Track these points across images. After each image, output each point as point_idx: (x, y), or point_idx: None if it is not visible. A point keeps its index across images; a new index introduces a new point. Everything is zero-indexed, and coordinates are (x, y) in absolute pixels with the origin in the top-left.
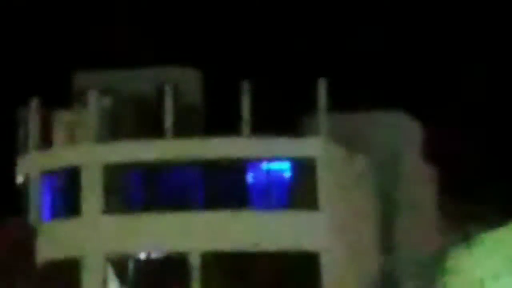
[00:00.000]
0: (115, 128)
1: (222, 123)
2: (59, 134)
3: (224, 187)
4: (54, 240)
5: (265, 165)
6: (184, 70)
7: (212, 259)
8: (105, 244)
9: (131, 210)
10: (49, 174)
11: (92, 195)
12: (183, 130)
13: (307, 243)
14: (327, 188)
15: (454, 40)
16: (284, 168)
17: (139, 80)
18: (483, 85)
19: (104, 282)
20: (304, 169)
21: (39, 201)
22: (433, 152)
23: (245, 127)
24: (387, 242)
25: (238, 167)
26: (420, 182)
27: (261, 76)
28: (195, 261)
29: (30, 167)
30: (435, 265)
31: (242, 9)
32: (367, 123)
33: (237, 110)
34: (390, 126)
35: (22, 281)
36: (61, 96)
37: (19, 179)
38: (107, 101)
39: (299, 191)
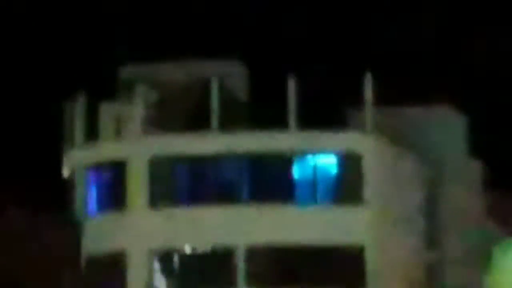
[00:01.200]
0: (161, 122)
1: (268, 117)
2: (105, 128)
3: (270, 181)
4: (99, 235)
5: (311, 159)
6: (230, 63)
7: (258, 253)
8: (151, 238)
9: (177, 204)
10: (95, 168)
11: (138, 188)
12: (229, 123)
13: (352, 238)
14: (373, 182)
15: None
16: (330, 162)
17: (185, 73)
18: None
19: (150, 276)
20: (350, 163)
21: (85, 195)
22: (479, 147)
23: (291, 121)
24: (431, 238)
25: (284, 161)
26: (465, 178)
27: (307, 70)
28: (240, 255)
29: (76, 160)
30: (480, 261)
31: (289, 2)
32: (412, 118)
33: (283, 104)
34: (435, 121)
35: (68, 276)
36: (107, 90)
37: (65, 172)
38: (153, 95)
39: (345, 186)
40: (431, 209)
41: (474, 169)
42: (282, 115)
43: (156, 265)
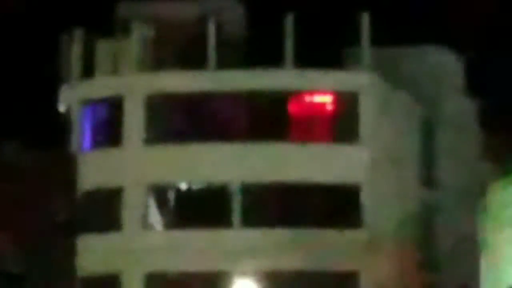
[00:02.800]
0: (157, 58)
1: (265, 55)
2: (101, 64)
3: (266, 119)
4: (95, 170)
5: (307, 98)
6: (227, 1)
7: (252, 190)
8: (146, 174)
9: (172, 141)
10: (91, 104)
11: (133, 125)
12: (225, 61)
13: (348, 176)
14: (369, 121)
15: None
16: (326, 100)
17: (182, 10)
18: None
19: (145, 212)
20: (347, 102)
21: (81, 131)
22: (475, 86)
23: (288, 59)
24: (428, 177)
25: (280, 99)
26: (461, 117)
27: (304, 9)
28: (236, 191)
29: (72, 96)
30: (476, 199)
31: None
32: (409, 58)
33: (280, 42)
34: (432, 61)
35: (62, 209)
36: (104, 26)
37: (62, 108)
38: (149, 31)
39: (341, 124)
40: (426, 147)
41: (470, 107)
42: (279, 53)
43: (152, 201)
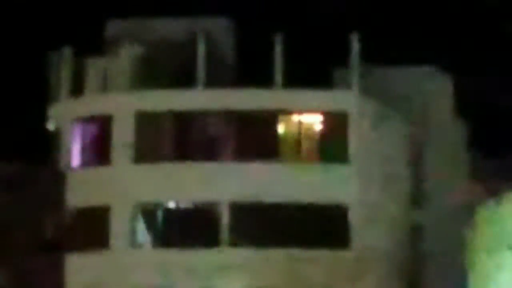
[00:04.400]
0: (147, 77)
1: (254, 74)
2: (91, 82)
3: (255, 139)
4: (83, 188)
5: (296, 117)
6: (217, 20)
7: (241, 209)
8: (135, 193)
9: (161, 160)
10: (80, 122)
11: (123, 143)
12: (215, 80)
13: (336, 196)
14: (358, 141)
15: None
16: (315, 120)
17: (172, 29)
18: None
19: (133, 231)
20: (336, 122)
21: (69, 148)
22: (464, 107)
23: (277, 79)
24: (416, 198)
25: (270, 118)
26: (450, 138)
27: (294, 28)
28: (224, 211)
29: (61, 114)
30: (463, 220)
31: None
32: (398, 77)
33: (270, 61)
34: (421, 80)
35: (50, 227)
36: (93, 44)
37: (50, 126)
38: (139, 50)
39: (330, 144)
40: (416, 168)
41: (459, 129)
42: (268, 72)
43: (140, 220)
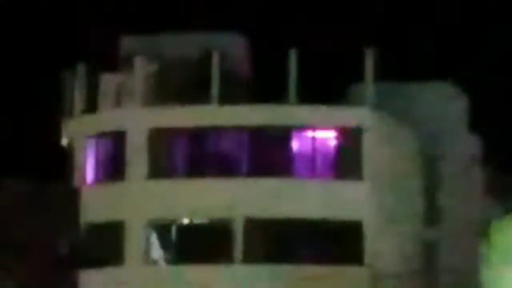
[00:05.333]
0: (161, 93)
1: (268, 90)
2: (105, 98)
3: (269, 155)
4: (97, 204)
5: (311, 133)
6: (231, 36)
7: (255, 226)
8: (149, 209)
9: (175, 176)
10: (94, 138)
11: (137, 159)
12: (229, 96)
13: (350, 212)
14: (372, 158)
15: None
16: (330, 136)
17: (186, 45)
18: None
19: (147, 247)
20: (350, 138)
21: (83, 165)
22: (479, 123)
23: (292, 95)
24: (430, 214)
25: (284, 134)
26: (465, 154)
27: (308, 44)
28: (238, 227)
29: (75, 130)
30: (478, 237)
31: None
32: (413, 94)
33: (284, 78)
34: (435, 96)
35: (64, 243)
36: (108, 60)
37: (64, 142)
38: (153, 66)
39: (344, 161)
40: (430, 185)
41: (473, 145)
42: (283, 88)
43: (154, 236)
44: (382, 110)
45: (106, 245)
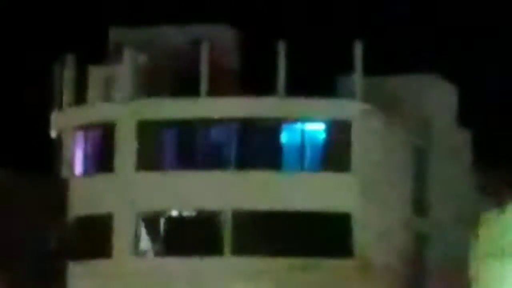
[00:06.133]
0: (149, 85)
1: (257, 82)
2: (93, 90)
3: (258, 147)
4: (86, 196)
5: (299, 126)
6: (220, 28)
7: (243, 218)
8: (137, 201)
9: (164, 168)
10: (83, 130)
11: (125, 151)
12: (218, 88)
13: (339, 204)
14: (361, 150)
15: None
16: (318, 129)
17: (175, 37)
18: None
19: (136, 238)
20: (339, 130)
21: (72, 156)
22: (468, 116)
23: (281, 87)
24: (419, 206)
25: (273, 127)
26: (454, 146)
27: (297, 35)
28: (226, 219)
29: (64, 122)
30: (467, 229)
31: None
32: (402, 86)
33: (273, 69)
34: (425, 90)
35: (52, 235)
36: (96, 52)
37: (53, 133)
38: (142, 58)
39: (333, 153)
40: (419, 177)
41: (462, 138)
42: (271, 80)
43: (142, 228)
44: (371, 103)
45: (95, 237)
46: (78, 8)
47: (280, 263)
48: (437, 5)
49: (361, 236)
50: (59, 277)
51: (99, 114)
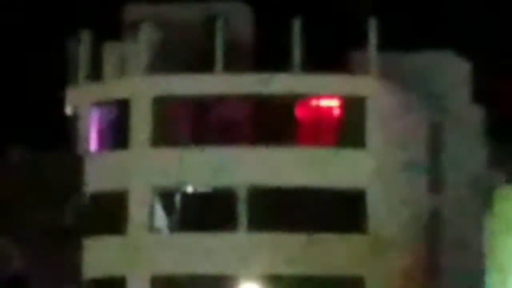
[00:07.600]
0: (165, 61)
1: (271, 58)
2: (109, 66)
3: (272, 123)
4: (101, 172)
5: (315, 102)
6: (235, 4)
7: (259, 193)
8: (153, 176)
9: (179, 143)
10: (98, 106)
11: (140, 127)
12: (232, 64)
13: (353, 181)
14: (376, 126)
15: None
16: (333, 105)
17: (190, 13)
18: None
19: (151, 214)
20: (354, 107)
21: (87, 132)
22: (481, 92)
23: (295, 64)
24: (435, 182)
25: (287, 103)
26: (468, 123)
27: (312, 12)
28: (242, 195)
29: (80, 98)
30: (482, 206)
31: None
32: (416, 62)
33: (288, 46)
34: (439, 65)
35: (68, 211)
36: (112, 28)
37: (68, 110)
38: (157, 34)
39: (348, 129)
40: (433, 153)
41: (476, 114)
42: (286, 56)
43: (158, 204)
44: (386, 79)
45: (110, 213)
46: None
47: (294, 239)
48: None
49: (375, 213)
50: (76, 252)
51: (114, 91)
